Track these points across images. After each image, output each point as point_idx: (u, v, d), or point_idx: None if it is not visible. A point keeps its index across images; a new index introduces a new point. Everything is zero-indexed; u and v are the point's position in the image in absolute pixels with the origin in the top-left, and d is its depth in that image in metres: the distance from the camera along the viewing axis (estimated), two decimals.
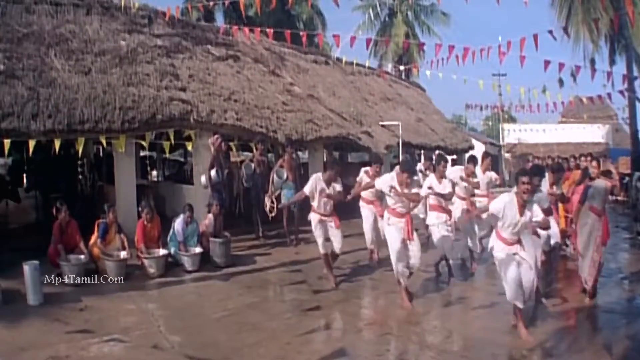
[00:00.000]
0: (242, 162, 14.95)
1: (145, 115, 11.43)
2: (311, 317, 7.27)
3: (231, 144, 13.80)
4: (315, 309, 7.60)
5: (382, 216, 9.28)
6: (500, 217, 6.38)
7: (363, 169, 10.47)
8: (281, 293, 8.72)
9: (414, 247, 7.69)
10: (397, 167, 8.15)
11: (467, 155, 16.84)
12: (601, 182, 8.03)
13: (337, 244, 8.73)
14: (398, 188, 7.54)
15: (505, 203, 6.33)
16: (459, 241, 9.36)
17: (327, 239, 8.77)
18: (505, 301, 6.91)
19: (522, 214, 6.29)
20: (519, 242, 6.48)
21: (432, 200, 9.10)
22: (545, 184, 8.11)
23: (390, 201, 7.77)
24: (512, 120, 47.35)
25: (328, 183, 8.48)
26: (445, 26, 36.99)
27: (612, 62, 24.00)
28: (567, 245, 10.48)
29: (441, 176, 8.89)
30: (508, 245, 6.43)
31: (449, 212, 9.01)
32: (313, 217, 8.74)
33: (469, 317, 7.29)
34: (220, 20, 29.55)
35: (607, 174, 8.92)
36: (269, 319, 7.10)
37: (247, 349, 6.00)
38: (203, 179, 11.53)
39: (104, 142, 11.23)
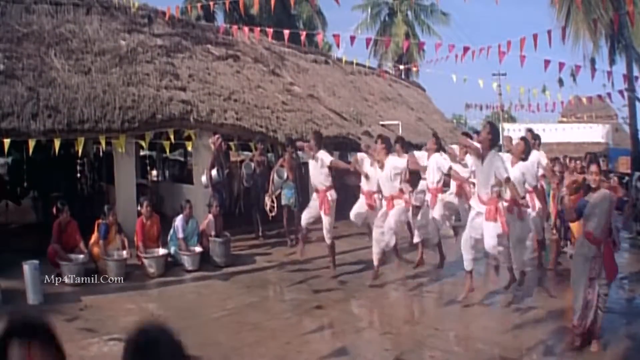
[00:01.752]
0: (242, 161, 14.97)
1: (145, 115, 11.44)
2: (311, 317, 7.31)
3: (231, 143, 13.82)
4: (315, 309, 7.62)
5: (372, 208, 9.35)
6: None
7: (360, 154, 10.14)
8: (281, 293, 8.76)
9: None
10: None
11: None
12: (602, 195, 5.88)
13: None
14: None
15: None
16: None
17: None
18: (503, 300, 6.98)
19: None
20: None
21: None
22: None
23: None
24: (512, 120, 47.41)
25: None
26: (445, 26, 37.10)
27: (612, 61, 24.02)
28: (566, 244, 10.48)
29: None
30: None
31: None
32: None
33: (468, 317, 7.31)
34: (220, 20, 29.65)
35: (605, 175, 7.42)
36: (269, 319, 7.13)
37: (247, 349, 6.03)
38: (203, 178, 11.55)
39: (103, 142, 11.23)
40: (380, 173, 8.70)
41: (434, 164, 9.33)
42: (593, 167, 6.07)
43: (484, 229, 7.08)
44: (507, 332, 6.57)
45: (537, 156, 9.25)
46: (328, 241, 9.34)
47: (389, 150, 8.79)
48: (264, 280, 9.26)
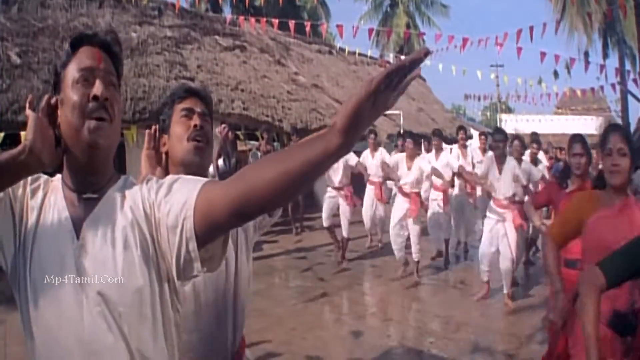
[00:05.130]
0: (249, 150, 15.30)
1: (156, 105, 11.66)
2: (316, 304, 7.52)
3: (238, 133, 14.15)
4: (320, 296, 7.84)
5: (380, 200, 9.78)
6: None
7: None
8: (287, 280, 9.01)
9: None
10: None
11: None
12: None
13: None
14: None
15: None
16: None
17: None
18: (502, 288, 7.29)
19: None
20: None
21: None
22: None
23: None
24: (509, 110, 47.59)
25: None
26: (444, 17, 37.19)
27: (605, 55, 24.29)
28: None
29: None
30: None
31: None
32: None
33: (468, 304, 7.43)
34: (227, 11, 29.83)
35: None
36: (275, 305, 7.27)
37: (254, 335, 6.02)
38: (211, 168, 11.85)
39: None
40: (407, 172, 8.61)
41: (445, 162, 9.27)
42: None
43: (509, 236, 7.15)
44: (506, 320, 6.75)
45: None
46: (346, 234, 9.48)
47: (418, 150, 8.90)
48: (271, 268, 9.48)
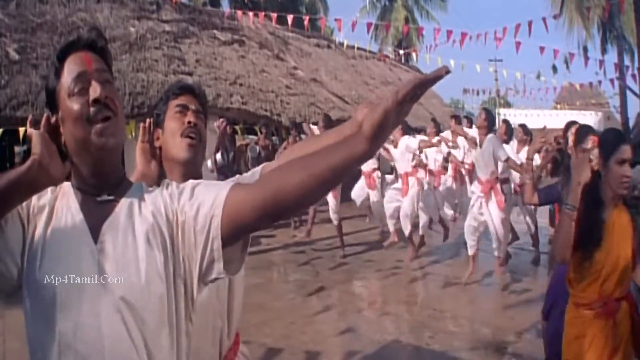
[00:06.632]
0: (247, 145, 15.31)
1: (154, 100, 11.60)
2: (314, 298, 7.54)
3: (237, 127, 14.17)
4: (318, 290, 7.86)
5: (372, 187, 10.05)
6: None
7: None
8: (285, 274, 9.03)
9: None
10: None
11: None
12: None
13: None
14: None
15: None
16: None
17: None
18: (500, 282, 7.32)
19: None
20: None
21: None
22: None
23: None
24: (507, 105, 47.53)
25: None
26: (443, 11, 37.15)
27: (604, 50, 24.28)
28: None
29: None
30: None
31: None
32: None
33: (466, 298, 7.47)
34: (225, 5, 29.80)
35: None
36: (274, 300, 7.29)
37: (252, 329, 6.11)
38: (209, 162, 11.88)
39: None
40: (394, 150, 9.22)
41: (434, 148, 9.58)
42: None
43: (489, 210, 7.45)
44: (504, 314, 6.74)
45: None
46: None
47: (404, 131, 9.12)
48: (269, 262, 9.50)
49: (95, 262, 1.34)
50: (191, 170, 2.13)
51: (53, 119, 1.41)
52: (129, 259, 1.35)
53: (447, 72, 1.17)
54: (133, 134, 11.55)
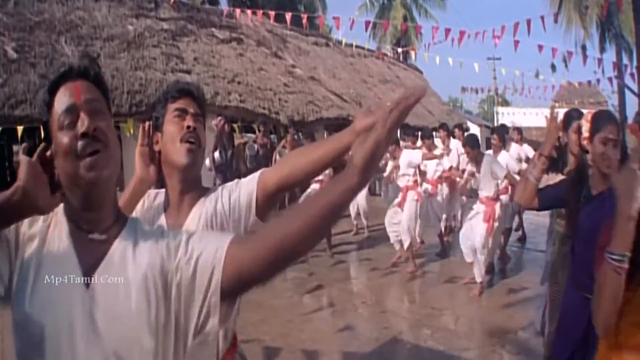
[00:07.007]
0: (245, 143, 15.29)
1: (152, 98, 11.66)
2: (312, 296, 7.58)
3: (234, 125, 14.16)
4: (316, 288, 7.89)
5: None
6: None
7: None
8: (283, 272, 8.99)
9: None
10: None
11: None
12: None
13: None
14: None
15: None
16: None
17: None
18: (498, 281, 7.28)
19: None
20: None
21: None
22: None
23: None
24: (506, 103, 47.58)
25: None
26: (441, 10, 37.12)
27: (603, 49, 24.33)
28: None
29: None
30: None
31: None
32: None
33: (464, 296, 7.47)
34: (223, 3, 29.76)
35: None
36: (272, 298, 7.24)
37: (250, 327, 6.09)
38: (207, 161, 11.85)
39: None
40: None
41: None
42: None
43: (477, 227, 7.40)
44: (502, 313, 6.73)
45: (517, 150, 9.55)
46: None
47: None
48: None
49: (86, 311, 1.30)
50: (190, 174, 2.13)
51: (48, 153, 1.38)
52: (122, 311, 1.31)
53: (425, 91, 1.22)
54: (131, 131, 11.57)
